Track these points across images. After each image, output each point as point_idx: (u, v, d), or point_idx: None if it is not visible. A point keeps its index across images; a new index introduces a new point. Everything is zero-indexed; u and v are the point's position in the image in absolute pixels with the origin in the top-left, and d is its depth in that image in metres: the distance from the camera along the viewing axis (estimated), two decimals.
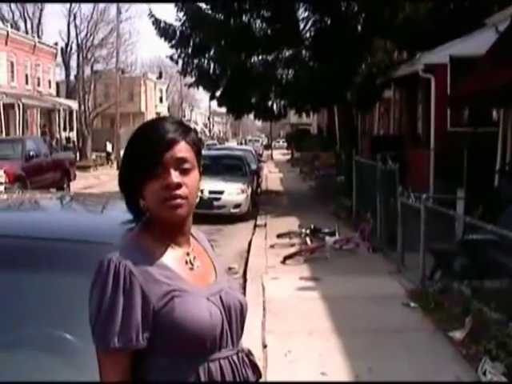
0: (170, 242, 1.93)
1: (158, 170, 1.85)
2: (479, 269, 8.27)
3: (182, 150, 1.89)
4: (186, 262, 1.95)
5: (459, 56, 14.49)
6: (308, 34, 19.50)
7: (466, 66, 13.34)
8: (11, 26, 39.89)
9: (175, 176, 1.85)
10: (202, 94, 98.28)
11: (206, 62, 19.77)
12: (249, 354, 2.04)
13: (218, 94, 20.60)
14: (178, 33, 19.31)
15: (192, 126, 63.15)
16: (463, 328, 6.76)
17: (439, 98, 14.76)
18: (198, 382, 1.84)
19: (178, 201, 1.85)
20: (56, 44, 46.79)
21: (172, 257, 1.91)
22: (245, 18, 18.48)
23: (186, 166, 1.88)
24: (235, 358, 1.94)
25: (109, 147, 41.80)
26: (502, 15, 13.24)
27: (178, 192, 1.85)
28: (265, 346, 6.53)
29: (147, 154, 1.86)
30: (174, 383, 1.82)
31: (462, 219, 9.16)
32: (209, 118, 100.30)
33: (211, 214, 15.01)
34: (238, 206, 16.75)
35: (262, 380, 2.15)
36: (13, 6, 44.73)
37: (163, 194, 1.84)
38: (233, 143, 66.06)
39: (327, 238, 11.65)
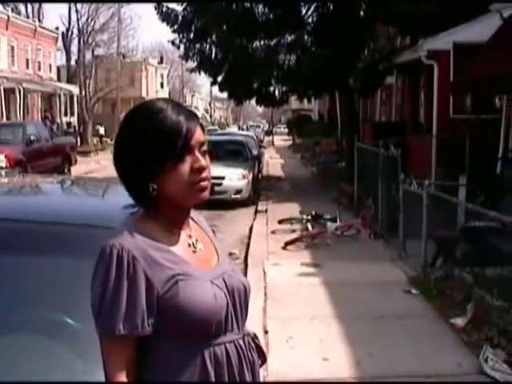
0: (172, 226, 1.90)
1: (185, 154, 1.84)
2: (481, 256, 8.26)
3: (201, 133, 1.90)
4: (189, 245, 1.93)
5: (463, 42, 14.42)
6: (310, 19, 19.41)
7: (469, 52, 13.26)
8: (12, 10, 39.69)
9: (203, 159, 1.87)
10: (203, 80, 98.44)
11: (207, 46, 19.69)
12: (254, 337, 2.04)
13: (219, 79, 20.51)
14: (180, 17, 19.21)
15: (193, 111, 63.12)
16: (465, 315, 6.76)
17: (442, 85, 14.71)
18: (204, 367, 1.82)
19: (206, 183, 1.87)
20: (57, 28, 46.66)
21: (175, 240, 1.89)
22: (247, 3, 18.38)
23: (205, 148, 1.90)
24: (241, 341, 1.93)
25: (101, 130, 42.19)
26: (506, 1, 13.14)
27: (206, 174, 1.87)
28: (266, 332, 6.53)
29: (172, 139, 1.82)
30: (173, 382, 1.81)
31: (464, 206, 9.13)
32: (210, 104, 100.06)
33: (212, 199, 14.71)
34: (239, 191, 16.74)
35: (265, 364, 2.14)
36: None
37: (193, 178, 1.84)
38: (234, 129, 65.94)
39: (328, 224, 11.64)
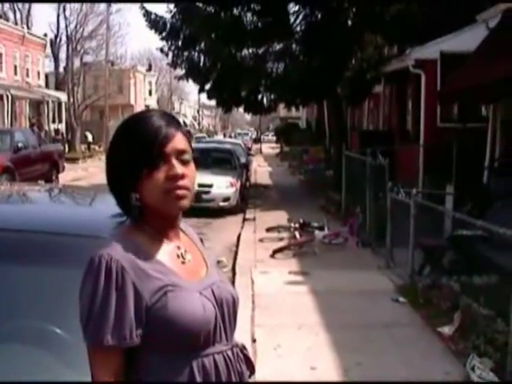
0: (161, 237, 1.90)
1: (160, 161, 1.83)
2: (468, 264, 8.30)
3: (182, 141, 1.88)
4: (178, 256, 1.92)
5: (450, 52, 14.51)
6: (298, 28, 19.46)
7: (456, 61, 13.35)
8: (0, 17, 39.56)
9: (179, 167, 1.84)
10: (191, 87, 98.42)
11: (196, 54, 19.73)
12: (243, 348, 2.03)
13: (207, 86, 20.54)
14: (168, 25, 19.25)
15: (181, 119, 63.10)
16: (452, 323, 6.78)
17: (429, 94, 14.79)
18: (192, 378, 1.81)
19: (183, 191, 1.85)
20: (45, 35, 46.46)
21: (163, 251, 1.89)
22: (235, 11, 18.40)
23: (186, 157, 1.88)
24: (229, 352, 1.93)
25: (89, 138, 42.11)
26: (492, 11, 13.24)
27: (182, 183, 1.84)
28: (254, 340, 6.53)
29: (146, 146, 1.83)
30: (167, 382, 1.81)
31: (452, 215, 9.17)
32: (198, 111, 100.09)
33: (200, 207, 14.93)
34: (226, 199, 16.72)
35: (253, 375, 2.14)
36: None
37: (167, 186, 1.82)
38: (220, 136, 65.95)
39: (316, 232, 11.66)
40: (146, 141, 1.84)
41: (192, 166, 1.90)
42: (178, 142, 1.87)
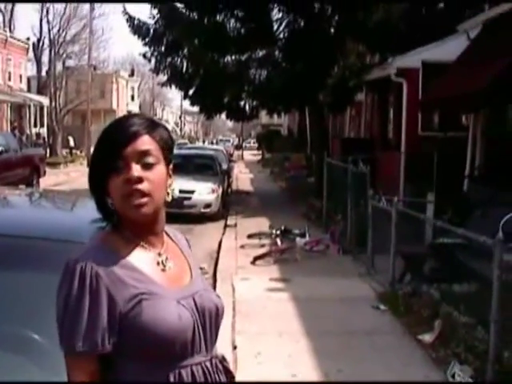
0: (141, 243, 1.87)
1: (120, 164, 1.78)
2: (448, 272, 8.33)
3: (145, 143, 1.81)
4: (158, 263, 1.89)
5: (431, 61, 14.61)
6: (281, 35, 19.49)
7: (437, 71, 13.46)
8: None
9: (135, 170, 1.77)
10: (173, 93, 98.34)
11: (178, 60, 19.70)
12: (222, 360, 1.99)
13: (190, 92, 20.51)
14: (151, 31, 19.21)
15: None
16: (432, 331, 6.79)
17: (411, 103, 14.88)
18: None
19: (141, 199, 1.77)
20: (28, 39, 46.20)
21: (142, 258, 1.85)
22: (218, 18, 18.40)
23: (150, 160, 1.81)
24: (208, 364, 1.88)
25: (71, 142, 41.87)
26: (473, 22, 13.37)
27: (140, 187, 1.77)
28: (234, 348, 6.50)
29: (109, 148, 1.80)
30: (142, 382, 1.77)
31: (432, 223, 9.22)
32: (180, 117, 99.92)
33: (181, 213, 14.89)
34: (208, 205, 16.69)
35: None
36: None
37: (125, 190, 1.77)
38: (200, 143, 65.92)
39: (297, 239, 11.65)
40: (109, 144, 1.81)
41: (158, 169, 1.82)
42: (140, 143, 1.80)
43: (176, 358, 1.80)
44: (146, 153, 1.80)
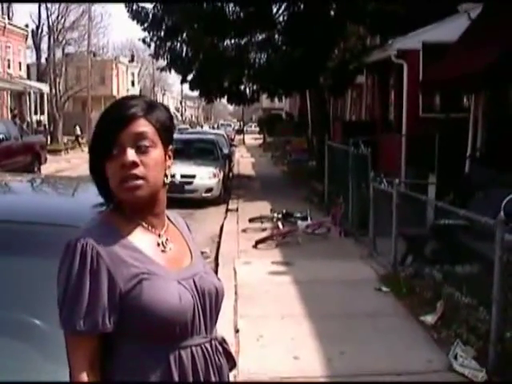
0: (141, 224, 1.88)
1: (115, 148, 1.78)
2: (450, 253, 8.34)
3: (141, 126, 1.81)
4: (158, 244, 1.90)
5: (432, 42, 14.52)
6: (281, 18, 19.42)
7: (438, 52, 13.38)
8: None
9: (130, 154, 1.77)
10: (174, 78, 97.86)
11: (178, 45, 19.63)
12: (222, 342, 2.00)
13: (190, 77, 20.45)
14: (150, 16, 19.13)
15: None
16: (434, 312, 6.81)
17: (411, 84, 14.81)
18: (169, 369, 1.79)
19: (135, 182, 1.78)
20: (27, 26, 46.05)
21: (143, 238, 1.86)
22: (217, 1, 18.33)
23: (145, 143, 1.80)
24: (208, 345, 1.89)
25: (78, 131, 41.57)
26: (474, 1, 13.28)
27: (134, 171, 1.78)
28: (237, 331, 6.52)
29: (105, 132, 1.80)
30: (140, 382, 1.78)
31: (434, 204, 9.21)
32: (181, 102, 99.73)
33: (183, 198, 14.90)
34: (209, 190, 16.69)
35: (234, 369, 2.12)
36: None
37: (120, 174, 1.78)
38: (203, 127, 65.75)
39: (299, 222, 11.66)
40: (105, 128, 1.81)
41: (154, 153, 1.82)
42: (136, 126, 1.80)
43: (176, 338, 1.81)
44: (141, 136, 1.80)
